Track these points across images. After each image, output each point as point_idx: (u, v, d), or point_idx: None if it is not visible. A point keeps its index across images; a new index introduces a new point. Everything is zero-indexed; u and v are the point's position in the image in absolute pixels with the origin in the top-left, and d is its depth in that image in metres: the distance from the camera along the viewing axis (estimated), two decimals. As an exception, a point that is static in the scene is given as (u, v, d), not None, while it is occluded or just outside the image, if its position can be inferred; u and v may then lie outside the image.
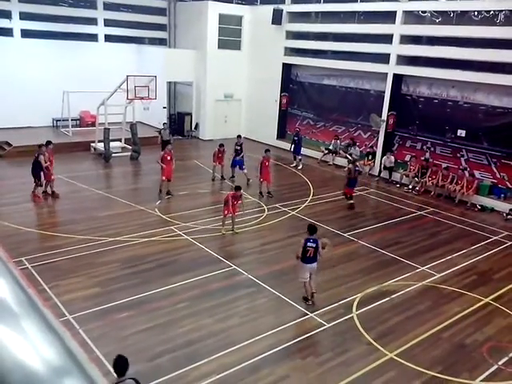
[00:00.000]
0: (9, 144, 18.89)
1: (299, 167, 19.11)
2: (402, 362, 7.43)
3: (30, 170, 13.86)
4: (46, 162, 13.84)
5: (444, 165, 16.92)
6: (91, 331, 7.63)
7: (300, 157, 19.37)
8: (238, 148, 16.75)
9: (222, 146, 16.59)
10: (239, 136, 17.43)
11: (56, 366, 0.64)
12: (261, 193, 15.39)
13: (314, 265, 8.80)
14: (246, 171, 16.43)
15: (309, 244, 8.62)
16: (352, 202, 14.86)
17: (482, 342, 8.16)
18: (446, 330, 8.41)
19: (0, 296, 0.71)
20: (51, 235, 11.44)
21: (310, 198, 15.58)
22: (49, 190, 14.25)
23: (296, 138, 19.47)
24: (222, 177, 16.89)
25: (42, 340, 0.68)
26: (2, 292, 0.73)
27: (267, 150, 15.76)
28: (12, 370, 0.58)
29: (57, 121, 22.17)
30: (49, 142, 14.47)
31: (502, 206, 15.36)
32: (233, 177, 16.94)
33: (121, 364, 5.16)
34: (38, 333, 0.69)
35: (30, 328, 0.69)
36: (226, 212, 12.10)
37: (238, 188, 12.37)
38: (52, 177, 14.18)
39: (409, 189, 17.17)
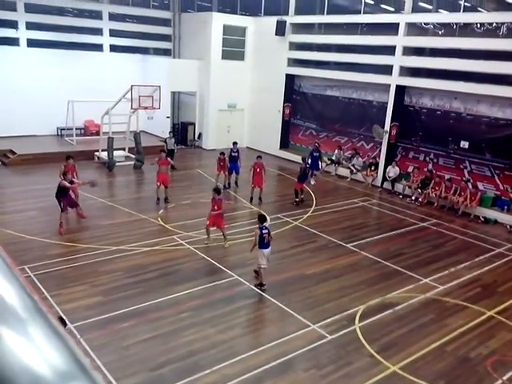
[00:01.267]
0: (13, 152, 18.99)
1: (312, 183, 18.13)
2: (405, 375, 7.34)
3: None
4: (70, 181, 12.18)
5: (447, 176, 16.91)
6: (93, 340, 7.60)
7: (317, 173, 18.67)
8: (236, 155, 16.78)
9: (222, 154, 16.66)
10: (235, 143, 17.42)
11: (62, 371, 0.64)
12: (251, 198, 15.60)
13: (270, 249, 9.77)
14: (238, 176, 16.82)
15: (264, 231, 9.66)
16: (302, 196, 15.76)
17: (486, 355, 8.06)
18: (449, 344, 8.32)
19: (7, 301, 0.71)
20: (54, 243, 11.43)
21: (313, 208, 15.56)
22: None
23: (317, 154, 18.68)
24: (225, 186, 16.91)
25: (48, 345, 0.68)
26: (8, 297, 0.73)
27: (259, 157, 15.82)
28: (19, 374, 0.58)
29: (61, 129, 22.32)
30: (68, 157, 13.45)
31: (505, 218, 15.29)
32: (229, 185, 16.95)
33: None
34: (44, 338, 0.69)
35: (36, 333, 0.69)
36: (207, 222, 11.79)
37: (215, 190, 11.91)
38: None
39: (411, 200, 17.14)
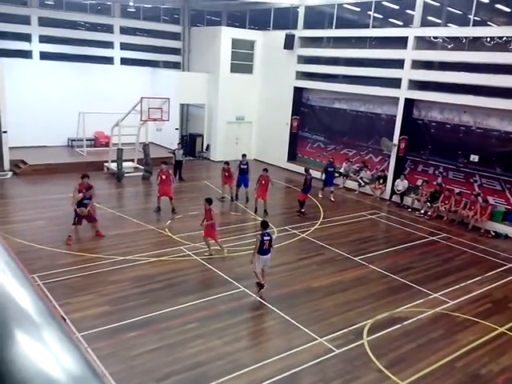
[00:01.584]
0: (24, 162, 19.20)
1: (332, 199, 17.93)
2: (414, 390, 7.25)
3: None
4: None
5: (457, 190, 16.81)
6: (99, 350, 7.59)
7: (333, 188, 18.17)
8: (245, 167, 16.77)
9: (226, 163, 16.70)
10: (244, 155, 17.49)
11: (76, 376, 0.65)
12: (256, 209, 15.73)
13: (269, 256, 10.00)
14: (248, 189, 16.59)
15: (265, 238, 9.83)
16: (303, 210, 15.79)
17: (497, 372, 7.91)
18: (459, 360, 8.19)
19: (22, 306, 0.73)
20: (63, 253, 11.49)
21: (321, 220, 15.52)
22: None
23: (331, 169, 18.17)
24: (232, 198, 16.91)
25: (62, 350, 0.69)
26: (23, 303, 0.74)
27: (265, 170, 15.83)
28: (35, 377, 0.59)
29: (72, 141, 22.56)
30: (84, 176, 12.63)
31: (515, 232, 15.15)
32: (236, 197, 16.91)
33: None
34: (58, 342, 0.70)
35: (50, 338, 0.70)
36: (203, 234, 11.97)
37: (206, 200, 11.87)
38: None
39: (421, 213, 17.02)
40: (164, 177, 14.90)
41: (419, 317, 9.61)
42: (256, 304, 9.68)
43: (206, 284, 10.44)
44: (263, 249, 9.86)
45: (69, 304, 9.00)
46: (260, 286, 9.92)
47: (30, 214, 14.12)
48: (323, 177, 18.09)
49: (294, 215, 15.85)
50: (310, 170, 16.51)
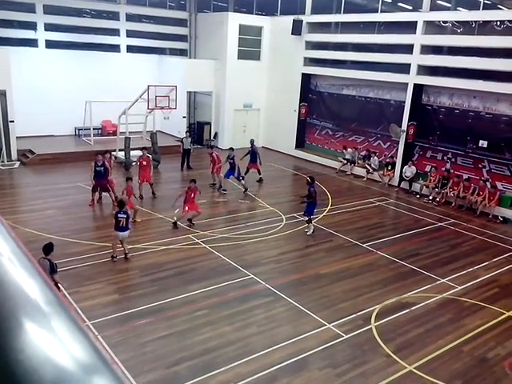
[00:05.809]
0: (32, 152, 19.30)
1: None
2: (422, 375, 7.30)
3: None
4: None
5: (465, 176, 16.68)
6: (110, 337, 7.70)
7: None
8: (231, 161, 16.20)
9: (210, 147, 17.03)
10: (231, 148, 16.86)
11: (85, 364, 0.65)
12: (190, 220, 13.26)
13: (126, 233, 10.64)
14: (243, 182, 16.28)
15: (119, 216, 10.42)
16: (260, 176, 17.50)
17: (503, 356, 7.97)
18: (466, 344, 8.25)
19: (30, 295, 0.73)
20: (72, 242, 11.59)
21: (329, 207, 15.50)
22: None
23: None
24: (221, 186, 16.57)
25: (71, 338, 0.69)
26: (31, 291, 0.75)
27: (193, 181, 13.16)
28: (44, 365, 0.60)
29: (79, 130, 22.61)
30: (98, 153, 14.67)
31: (525, 218, 15.03)
32: (246, 189, 16.74)
33: (48, 247, 7.86)
34: (66, 331, 0.70)
35: (59, 326, 0.70)
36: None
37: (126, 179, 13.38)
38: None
39: (429, 200, 16.95)
40: (145, 163, 15.17)
41: (427, 302, 9.64)
42: (265, 291, 9.74)
43: (214, 271, 10.51)
44: (120, 226, 10.42)
45: (78, 292, 9.12)
46: (112, 258, 10.62)
47: (38, 204, 14.24)
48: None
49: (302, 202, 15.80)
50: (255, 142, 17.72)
